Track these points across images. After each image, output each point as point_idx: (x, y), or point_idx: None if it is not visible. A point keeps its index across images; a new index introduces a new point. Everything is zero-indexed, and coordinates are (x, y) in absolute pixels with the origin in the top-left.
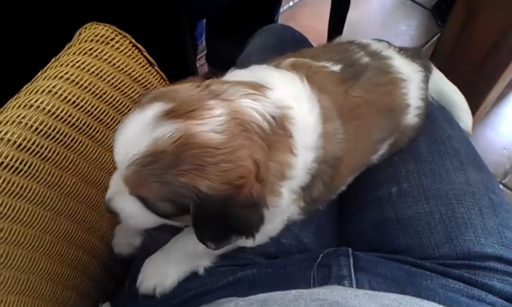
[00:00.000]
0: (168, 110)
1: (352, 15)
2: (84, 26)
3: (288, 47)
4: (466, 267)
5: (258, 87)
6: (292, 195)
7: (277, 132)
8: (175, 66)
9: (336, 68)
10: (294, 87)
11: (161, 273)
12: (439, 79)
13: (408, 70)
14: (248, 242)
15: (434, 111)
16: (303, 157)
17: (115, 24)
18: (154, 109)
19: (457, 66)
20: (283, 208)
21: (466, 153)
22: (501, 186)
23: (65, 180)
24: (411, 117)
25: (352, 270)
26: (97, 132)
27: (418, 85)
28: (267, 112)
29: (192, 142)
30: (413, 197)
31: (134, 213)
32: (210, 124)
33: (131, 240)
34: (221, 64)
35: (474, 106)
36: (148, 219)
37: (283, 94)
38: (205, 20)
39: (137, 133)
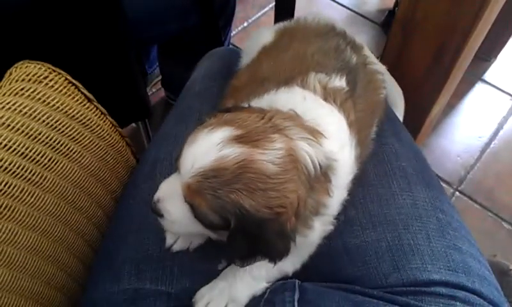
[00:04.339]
0: (236, 136)
1: None
2: (15, 65)
3: (235, 71)
4: (413, 294)
5: (315, 134)
6: (324, 227)
7: (319, 177)
8: (124, 95)
9: (344, 82)
10: (341, 133)
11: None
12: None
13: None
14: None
15: (383, 125)
16: (338, 196)
17: (57, 60)
18: (224, 132)
19: (400, 82)
20: (311, 241)
21: (414, 170)
22: (457, 193)
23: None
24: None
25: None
26: (34, 175)
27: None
28: (318, 159)
29: (251, 166)
30: (360, 225)
31: (180, 218)
32: (270, 155)
33: None
34: (176, 88)
35: (418, 119)
36: (190, 227)
37: (333, 146)
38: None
39: (206, 149)
